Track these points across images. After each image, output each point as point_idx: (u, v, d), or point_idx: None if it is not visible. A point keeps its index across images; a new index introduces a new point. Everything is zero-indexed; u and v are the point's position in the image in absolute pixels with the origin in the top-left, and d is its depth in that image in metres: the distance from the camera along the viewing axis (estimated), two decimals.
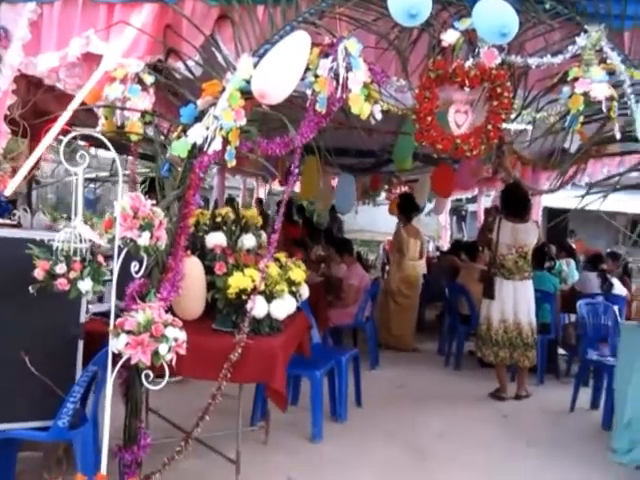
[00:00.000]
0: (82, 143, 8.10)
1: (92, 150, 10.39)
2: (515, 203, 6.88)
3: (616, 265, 9.14)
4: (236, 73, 3.68)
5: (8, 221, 3.62)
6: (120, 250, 3.24)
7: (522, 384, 6.98)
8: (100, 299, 4.11)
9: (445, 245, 15.24)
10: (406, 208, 9.61)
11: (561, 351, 8.20)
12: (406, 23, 3.64)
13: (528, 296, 6.88)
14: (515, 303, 6.80)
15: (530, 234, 6.87)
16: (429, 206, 14.64)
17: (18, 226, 3.64)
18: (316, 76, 3.67)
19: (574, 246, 13.92)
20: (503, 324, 6.78)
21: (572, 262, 10.11)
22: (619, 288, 8.16)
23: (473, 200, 16.14)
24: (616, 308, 7.04)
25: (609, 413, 5.73)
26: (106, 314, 3.96)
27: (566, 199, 4.37)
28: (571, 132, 3.96)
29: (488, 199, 13.60)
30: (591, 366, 6.72)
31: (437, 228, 17.36)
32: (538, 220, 9.26)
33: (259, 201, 15.41)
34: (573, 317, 7.60)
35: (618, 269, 9.12)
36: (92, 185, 19.13)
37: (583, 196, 4.64)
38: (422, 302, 10.10)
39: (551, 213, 13.09)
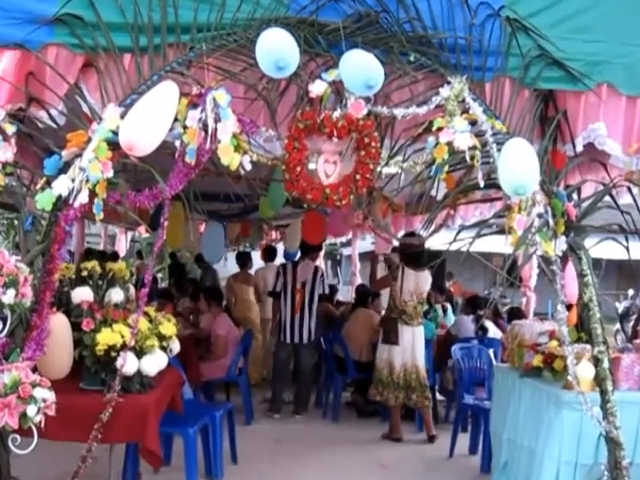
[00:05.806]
0: None
1: None
2: (413, 254, 7.37)
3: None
4: (102, 123, 3.75)
5: None
6: None
7: (430, 425, 7.48)
8: None
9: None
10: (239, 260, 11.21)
11: (440, 397, 8.59)
12: (274, 75, 3.84)
13: (422, 340, 7.56)
14: (413, 347, 7.42)
15: (427, 281, 7.57)
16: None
17: None
18: (185, 127, 3.81)
19: (452, 289, 14.60)
20: (403, 367, 7.36)
21: (448, 306, 10.60)
22: (493, 331, 8.61)
23: (348, 244, 16.56)
24: (491, 351, 7.47)
25: (487, 457, 6.05)
26: None
27: (442, 242, 4.65)
28: (437, 180, 4.28)
29: (363, 243, 14.03)
30: (469, 411, 7.10)
31: None
32: None
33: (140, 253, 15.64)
34: (450, 362, 7.97)
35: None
36: None
37: (454, 239, 4.95)
38: None
39: (428, 256, 13.62)
